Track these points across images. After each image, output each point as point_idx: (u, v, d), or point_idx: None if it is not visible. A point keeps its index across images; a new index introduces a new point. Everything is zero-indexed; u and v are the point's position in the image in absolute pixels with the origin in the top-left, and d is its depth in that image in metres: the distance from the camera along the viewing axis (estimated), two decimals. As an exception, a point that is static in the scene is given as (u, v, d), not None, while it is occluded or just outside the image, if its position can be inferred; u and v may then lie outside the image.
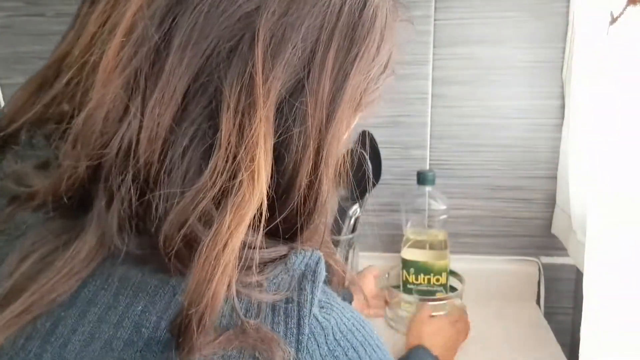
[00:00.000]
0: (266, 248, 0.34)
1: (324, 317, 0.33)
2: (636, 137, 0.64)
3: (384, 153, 0.97)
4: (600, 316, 0.65)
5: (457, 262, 0.98)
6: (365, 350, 0.35)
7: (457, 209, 1.01)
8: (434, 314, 0.86)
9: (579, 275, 0.98)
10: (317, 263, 0.35)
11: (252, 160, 0.30)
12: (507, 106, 0.97)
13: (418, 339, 0.79)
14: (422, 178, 0.91)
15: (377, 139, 0.97)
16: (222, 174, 0.30)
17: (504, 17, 0.93)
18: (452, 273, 0.96)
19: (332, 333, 0.33)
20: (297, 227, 0.35)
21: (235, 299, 0.31)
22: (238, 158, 0.30)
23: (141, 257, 0.31)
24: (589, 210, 0.66)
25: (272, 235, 0.35)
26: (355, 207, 0.95)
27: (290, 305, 0.32)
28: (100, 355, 0.29)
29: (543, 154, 0.98)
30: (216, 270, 0.29)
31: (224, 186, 0.30)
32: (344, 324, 0.34)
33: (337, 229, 0.95)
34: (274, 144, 0.32)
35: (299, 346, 0.31)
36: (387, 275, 0.99)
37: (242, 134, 0.30)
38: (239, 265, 0.31)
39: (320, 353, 0.32)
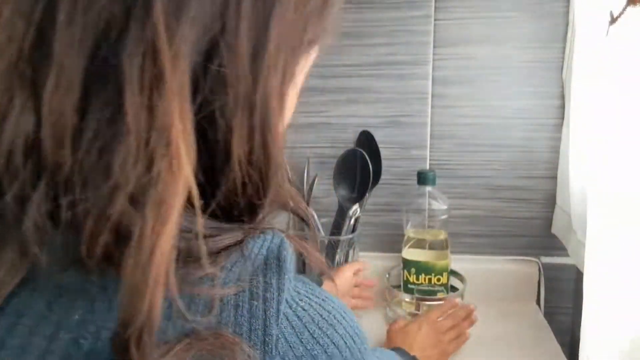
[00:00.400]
0: (220, 234, 0.30)
1: (296, 315, 0.30)
2: (636, 137, 0.64)
3: (384, 153, 0.97)
4: (600, 316, 0.65)
5: (457, 262, 0.98)
6: (346, 343, 0.32)
7: (457, 209, 1.01)
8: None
9: (579, 275, 0.98)
10: (279, 247, 0.32)
11: (168, 144, 0.26)
12: (507, 106, 0.97)
13: (394, 344, 0.78)
14: (422, 178, 0.91)
15: (377, 139, 0.97)
16: (134, 166, 0.25)
17: (504, 17, 0.93)
18: (453, 273, 0.96)
19: (309, 331, 0.30)
20: (252, 204, 0.32)
21: (180, 303, 0.27)
22: (151, 144, 0.25)
23: (70, 261, 0.28)
24: (589, 210, 0.66)
25: (228, 217, 0.31)
26: (355, 207, 0.95)
27: (255, 303, 0.29)
28: None
29: (543, 154, 0.98)
30: (148, 282, 0.25)
31: (140, 181, 0.25)
32: (324, 319, 0.32)
33: (337, 229, 0.95)
34: (197, 119, 0.28)
35: (266, 348, 0.28)
36: (387, 275, 0.99)
37: (152, 114, 0.25)
38: (180, 260, 0.27)
39: (294, 354, 0.29)
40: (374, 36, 0.96)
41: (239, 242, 0.31)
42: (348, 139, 1.00)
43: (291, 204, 0.35)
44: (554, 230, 0.99)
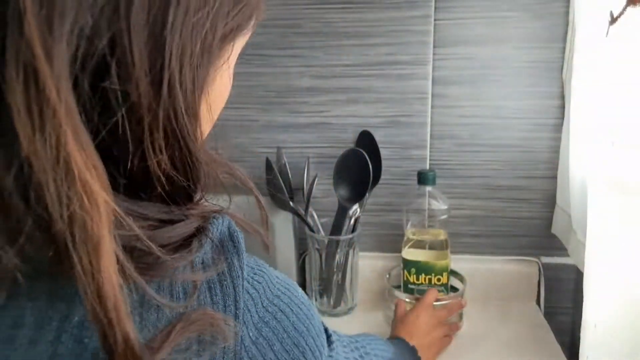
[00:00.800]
0: (180, 220, 0.32)
1: (254, 288, 0.34)
2: (636, 137, 0.64)
3: (384, 153, 0.97)
4: (600, 316, 0.65)
5: (457, 262, 0.98)
6: (292, 310, 0.36)
7: (457, 209, 1.01)
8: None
9: (579, 275, 0.98)
10: (229, 228, 0.34)
11: (73, 180, 0.24)
12: (507, 106, 0.97)
13: (396, 333, 0.79)
14: (422, 178, 0.91)
15: (377, 139, 0.97)
16: (52, 204, 0.24)
17: (504, 17, 0.93)
18: (453, 273, 0.96)
19: (261, 301, 0.34)
20: (187, 193, 0.33)
21: (158, 296, 0.29)
22: (57, 182, 0.24)
23: (52, 272, 0.28)
24: (589, 211, 0.66)
25: (172, 202, 0.33)
26: (355, 207, 0.95)
27: (225, 282, 0.33)
28: None
29: (543, 154, 0.98)
30: (109, 315, 0.25)
31: (61, 219, 0.24)
32: (270, 290, 0.36)
33: (337, 229, 0.95)
34: (103, 139, 0.27)
35: (237, 320, 0.32)
36: (387, 276, 0.99)
37: (47, 146, 0.24)
38: (130, 257, 0.28)
39: (253, 321, 0.33)
40: (374, 36, 0.96)
41: (203, 229, 0.33)
42: (348, 139, 1.00)
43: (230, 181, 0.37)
44: (554, 230, 0.99)
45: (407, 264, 0.92)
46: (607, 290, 0.65)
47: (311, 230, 0.96)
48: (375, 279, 1.03)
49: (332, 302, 0.98)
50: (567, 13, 0.92)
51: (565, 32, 0.92)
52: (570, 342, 0.98)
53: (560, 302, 1.02)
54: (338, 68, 0.98)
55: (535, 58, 0.94)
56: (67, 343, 0.28)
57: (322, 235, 0.97)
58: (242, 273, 0.33)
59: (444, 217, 0.92)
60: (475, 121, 0.98)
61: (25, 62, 0.23)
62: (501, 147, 0.98)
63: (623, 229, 0.64)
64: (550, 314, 0.99)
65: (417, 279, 0.92)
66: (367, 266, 1.03)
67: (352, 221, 0.96)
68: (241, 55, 0.36)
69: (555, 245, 0.99)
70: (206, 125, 0.35)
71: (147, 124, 0.28)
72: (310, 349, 0.38)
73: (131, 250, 0.28)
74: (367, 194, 0.92)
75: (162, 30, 0.27)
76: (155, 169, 0.30)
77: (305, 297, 0.40)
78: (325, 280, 0.97)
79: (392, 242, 1.03)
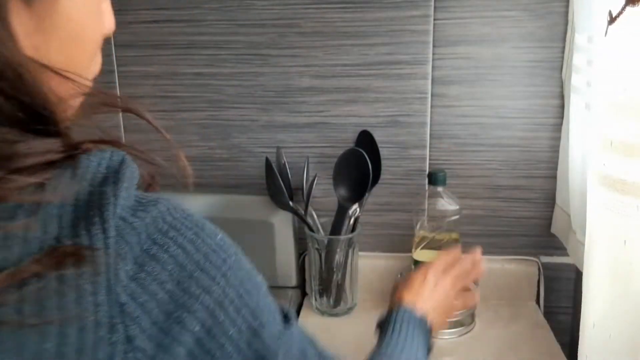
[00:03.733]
0: (25, 140, 0.30)
1: (138, 218, 0.31)
2: (635, 137, 0.64)
3: (383, 153, 0.97)
4: (600, 316, 0.65)
5: (457, 262, 0.98)
6: (194, 245, 0.32)
7: (456, 208, 1.01)
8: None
9: (578, 275, 0.98)
10: (120, 163, 0.32)
11: None
12: (507, 106, 0.97)
13: (396, 299, 0.64)
14: (433, 178, 0.90)
15: (377, 138, 0.97)
16: None
17: (503, 16, 0.93)
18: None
19: (148, 233, 0.31)
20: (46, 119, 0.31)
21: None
22: None
23: None
24: (588, 210, 0.66)
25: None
26: (355, 206, 0.95)
27: (91, 212, 0.30)
28: None
29: (543, 154, 0.98)
30: None
31: None
32: (166, 223, 0.32)
33: (336, 228, 0.95)
34: None
35: (107, 251, 0.29)
36: (399, 275, 0.98)
37: None
38: None
39: (132, 255, 0.30)
40: (373, 36, 0.96)
41: (68, 158, 0.31)
42: (348, 139, 1.00)
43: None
44: (553, 229, 0.99)
45: (418, 265, 0.91)
46: (607, 290, 0.65)
47: (311, 230, 0.96)
48: (375, 278, 1.03)
49: (332, 302, 0.98)
50: (566, 13, 0.92)
51: (565, 32, 0.92)
52: (570, 342, 0.98)
53: (560, 302, 1.02)
54: (337, 68, 0.98)
55: (535, 58, 0.94)
56: None
57: (322, 235, 0.97)
58: (115, 200, 0.30)
59: (455, 217, 0.91)
60: (475, 121, 0.98)
61: None
62: (501, 146, 0.98)
63: (622, 228, 0.64)
64: (549, 314, 0.99)
65: (427, 280, 0.91)
66: (367, 266, 1.02)
67: (352, 221, 0.96)
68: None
69: (554, 245, 0.99)
70: (53, 51, 0.32)
71: None
72: (227, 299, 0.33)
73: None
74: (366, 194, 0.92)
75: None
76: None
77: (227, 239, 0.35)
78: (325, 280, 0.97)
79: (391, 241, 1.03)
